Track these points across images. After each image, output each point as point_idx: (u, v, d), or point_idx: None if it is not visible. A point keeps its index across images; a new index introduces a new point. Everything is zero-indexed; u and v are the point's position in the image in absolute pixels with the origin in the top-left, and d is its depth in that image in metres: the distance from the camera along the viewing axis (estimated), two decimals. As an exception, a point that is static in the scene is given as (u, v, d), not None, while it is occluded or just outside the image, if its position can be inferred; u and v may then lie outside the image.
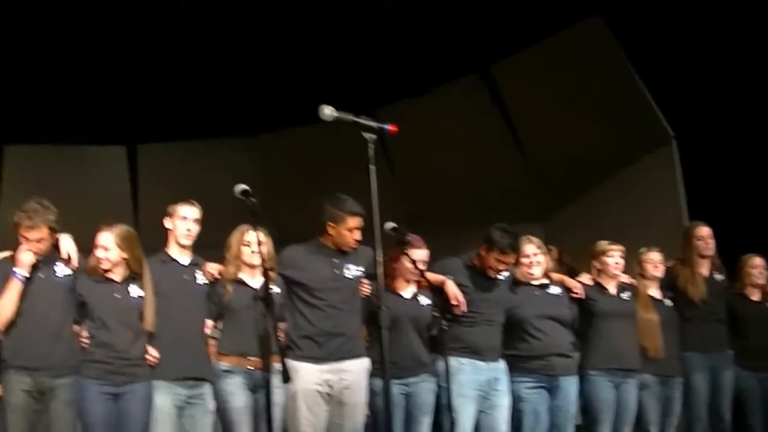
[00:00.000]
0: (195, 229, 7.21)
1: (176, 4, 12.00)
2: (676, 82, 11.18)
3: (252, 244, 6.99)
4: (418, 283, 7.70)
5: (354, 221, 7.08)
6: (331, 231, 7.17)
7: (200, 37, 12.73)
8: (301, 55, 12.97)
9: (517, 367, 7.86)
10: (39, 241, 6.77)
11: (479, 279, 7.79)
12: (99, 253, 6.91)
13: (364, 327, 7.36)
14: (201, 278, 7.20)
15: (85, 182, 14.94)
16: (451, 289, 7.59)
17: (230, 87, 13.74)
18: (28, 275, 6.74)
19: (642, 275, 8.63)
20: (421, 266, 7.55)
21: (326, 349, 7.09)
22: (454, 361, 7.49)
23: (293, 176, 15.04)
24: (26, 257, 6.75)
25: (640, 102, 11.73)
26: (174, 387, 6.94)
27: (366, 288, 7.38)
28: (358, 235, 7.13)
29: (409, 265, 7.51)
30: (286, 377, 6.05)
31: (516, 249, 7.75)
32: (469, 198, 13.69)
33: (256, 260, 6.85)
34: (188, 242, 7.22)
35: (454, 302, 7.54)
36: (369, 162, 5.09)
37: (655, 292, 8.64)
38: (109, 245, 6.92)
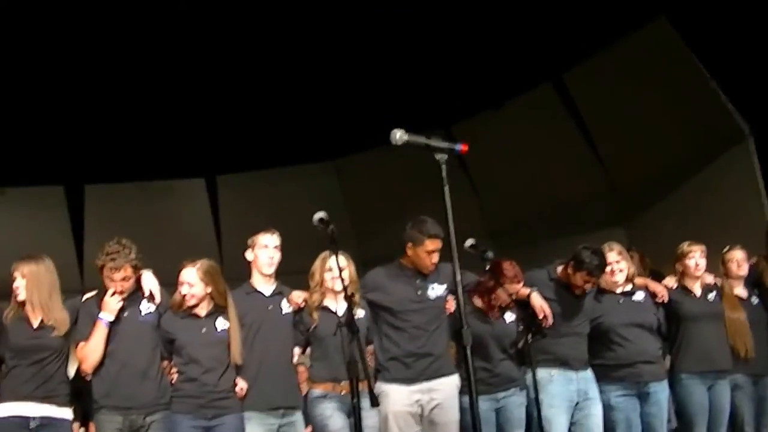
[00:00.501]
0: (277, 256, 7.28)
1: (252, 35, 12.13)
2: (748, 78, 11.04)
3: (333, 270, 7.04)
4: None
5: (432, 244, 7.10)
6: (410, 252, 7.22)
7: (276, 66, 12.84)
8: (375, 75, 13.00)
9: (605, 376, 7.81)
10: (123, 280, 6.87)
11: (564, 292, 7.76)
12: (184, 289, 7.01)
13: (453, 344, 7.37)
14: (286, 307, 7.26)
15: (167, 216, 15.12)
16: (538, 302, 7.58)
17: (306, 112, 13.82)
18: (113, 319, 6.85)
19: (727, 275, 8.51)
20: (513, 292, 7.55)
21: (414, 369, 7.12)
22: (544, 373, 7.49)
23: (374, 198, 15.09)
24: (113, 303, 6.84)
25: (713, 100, 11.62)
26: (266, 417, 7.01)
27: (452, 305, 7.39)
28: (435, 257, 7.15)
29: (506, 297, 7.51)
30: (374, 402, 6.08)
31: (603, 269, 7.71)
32: (550, 208, 13.65)
33: (339, 286, 6.90)
34: (271, 270, 7.28)
35: (540, 315, 7.52)
36: (443, 183, 5.11)
37: (741, 290, 8.52)
38: (193, 281, 7.01)
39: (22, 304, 6.79)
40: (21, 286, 6.76)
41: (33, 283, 6.75)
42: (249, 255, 7.31)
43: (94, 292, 7.13)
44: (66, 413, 6.84)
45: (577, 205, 13.34)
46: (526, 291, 7.62)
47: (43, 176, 14.80)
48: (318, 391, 7.15)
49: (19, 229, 14.60)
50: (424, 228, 7.11)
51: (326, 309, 7.22)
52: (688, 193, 12.52)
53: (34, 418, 6.68)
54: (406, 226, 7.28)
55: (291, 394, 7.16)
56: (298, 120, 13.95)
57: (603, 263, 7.65)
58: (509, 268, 7.48)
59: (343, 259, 6.65)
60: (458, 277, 5.08)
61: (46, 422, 6.71)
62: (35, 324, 6.76)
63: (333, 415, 7.06)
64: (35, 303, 6.74)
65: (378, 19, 11.98)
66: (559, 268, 7.83)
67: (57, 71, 12.44)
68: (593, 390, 7.76)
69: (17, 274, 6.76)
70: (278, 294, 7.30)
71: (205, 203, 15.92)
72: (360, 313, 7.09)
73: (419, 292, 7.24)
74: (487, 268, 7.37)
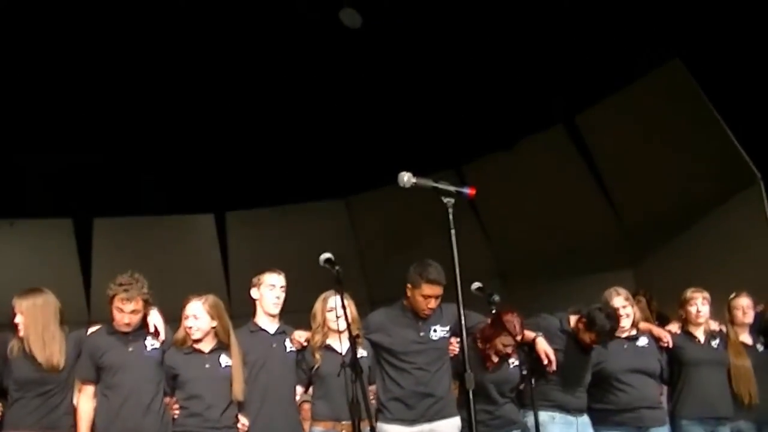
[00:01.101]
0: (282, 296, 7.28)
1: (265, 73, 12.18)
2: (760, 122, 11.04)
3: (336, 310, 7.02)
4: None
5: (430, 289, 7.10)
6: (409, 294, 7.23)
7: (288, 104, 12.91)
8: (386, 114, 13.06)
9: (606, 420, 7.80)
10: (133, 312, 6.88)
11: (572, 344, 7.73)
12: (189, 322, 7.01)
13: (456, 384, 7.35)
14: (290, 346, 7.26)
15: (175, 251, 15.11)
16: (543, 347, 7.54)
17: (316, 150, 13.87)
18: None
19: (732, 321, 8.46)
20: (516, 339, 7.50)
21: (416, 410, 7.13)
22: (546, 415, 7.49)
23: (384, 236, 15.09)
24: None
25: (725, 143, 11.59)
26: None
27: (455, 347, 7.37)
28: (433, 303, 7.15)
29: (503, 349, 7.46)
30: (376, 441, 6.07)
31: (614, 333, 7.69)
32: (559, 250, 13.62)
33: (341, 325, 6.90)
34: (276, 310, 7.29)
35: (545, 361, 7.49)
36: (449, 226, 5.09)
37: (746, 337, 8.47)
38: (199, 314, 7.02)
39: (23, 338, 6.78)
40: (20, 323, 6.77)
41: (30, 319, 6.76)
42: (255, 293, 7.32)
43: (98, 327, 7.16)
44: None
45: (586, 247, 13.32)
46: (531, 335, 7.58)
47: (52, 208, 14.83)
48: (319, 429, 7.13)
49: (27, 260, 14.63)
50: (425, 272, 7.11)
51: (329, 348, 7.20)
52: (698, 235, 12.47)
53: (38, 449, 6.68)
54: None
55: (294, 430, 7.16)
56: (309, 157, 14.01)
57: (615, 327, 7.64)
58: (511, 321, 7.41)
59: (346, 299, 6.61)
60: (463, 321, 5.05)
61: None
62: (39, 358, 6.73)
63: (333, 454, 7.05)
64: (32, 338, 6.74)
65: (390, 59, 12.04)
66: (572, 318, 7.79)
67: (67, 102, 12.52)
68: None
69: (16, 310, 6.77)
70: (282, 333, 7.30)
71: (213, 239, 15.93)
72: (362, 352, 7.07)
73: (421, 334, 7.25)
74: (492, 312, 7.35)
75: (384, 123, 13.07)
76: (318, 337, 7.21)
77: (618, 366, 7.83)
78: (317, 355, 7.17)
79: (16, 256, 14.99)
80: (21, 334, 6.77)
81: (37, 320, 6.75)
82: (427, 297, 7.12)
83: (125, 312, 6.86)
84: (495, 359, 7.47)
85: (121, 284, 6.85)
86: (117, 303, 6.86)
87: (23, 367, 6.75)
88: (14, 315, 6.78)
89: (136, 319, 6.93)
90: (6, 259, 14.98)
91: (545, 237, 13.80)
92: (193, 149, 13.65)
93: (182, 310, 7.07)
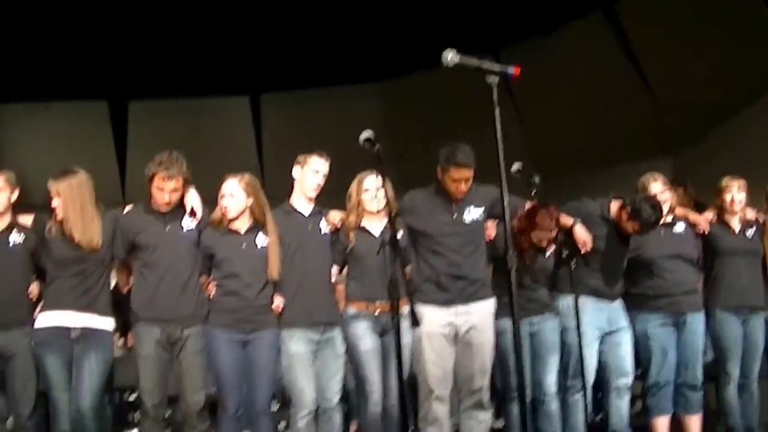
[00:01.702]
0: (322, 183, 7.25)
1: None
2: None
3: (371, 191, 7.05)
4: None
5: (457, 172, 7.05)
6: (439, 176, 7.18)
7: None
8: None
9: (643, 305, 7.85)
10: (174, 191, 6.91)
11: (612, 231, 7.72)
12: (226, 200, 7.02)
13: (491, 267, 7.35)
14: (325, 227, 7.25)
15: (210, 134, 15.11)
16: (581, 234, 7.52)
17: (352, 34, 13.72)
18: None
19: (768, 211, 8.40)
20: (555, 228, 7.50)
21: (450, 292, 7.14)
22: (581, 302, 7.45)
23: (418, 122, 15.01)
24: None
25: (767, 34, 11.42)
26: (306, 333, 7.04)
27: (491, 231, 7.36)
28: (462, 186, 7.10)
29: (537, 242, 7.45)
30: (415, 321, 6.06)
31: (657, 224, 7.66)
32: (597, 137, 13.54)
33: (375, 206, 6.92)
34: (315, 194, 7.27)
35: (582, 248, 7.48)
36: (494, 105, 5.03)
37: (783, 227, 8.39)
38: (236, 192, 7.03)
39: (61, 219, 6.81)
40: (57, 204, 6.79)
41: (67, 200, 6.76)
42: (296, 173, 7.28)
43: (134, 205, 7.21)
44: (107, 324, 6.91)
45: (624, 135, 13.26)
46: (569, 222, 7.56)
47: (88, 91, 14.82)
48: (353, 309, 7.16)
49: (63, 144, 14.69)
50: (452, 155, 7.05)
51: (363, 229, 7.19)
52: (739, 126, 12.39)
53: (75, 328, 6.76)
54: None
55: (330, 310, 7.18)
56: (346, 40, 13.85)
57: (660, 218, 7.61)
58: (545, 217, 7.38)
59: (382, 180, 6.59)
60: (506, 201, 5.01)
61: (87, 332, 6.78)
62: (76, 238, 6.76)
63: (364, 336, 7.08)
64: (70, 218, 6.75)
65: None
66: (613, 204, 7.77)
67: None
68: (623, 319, 7.80)
69: (52, 192, 6.79)
70: (317, 214, 7.28)
71: (248, 122, 15.91)
72: (399, 233, 7.07)
73: (455, 216, 7.21)
74: (533, 194, 7.31)
75: (423, 5, 12.89)
76: (353, 218, 7.20)
77: (656, 252, 7.84)
78: (351, 236, 7.17)
79: (51, 140, 15.04)
80: (58, 215, 6.80)
81: (73, 200, 6.76)
82: (455, 180, 7.08)
83: (166, 191, 6.87)
84: (530, 252, 7.47)
85: (161, 163, 6.85)
86: (157, 182, 6.87)
87: (61, 246, 6.80)
88: (51, 197, 6.80)
89: (176, 197, 6.95)
90: (41, 142, 15.04)
91: (583, 124, 13.73)
92: (230, 31, 13.52)
93: (218, 189, 7.07)
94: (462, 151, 7.01)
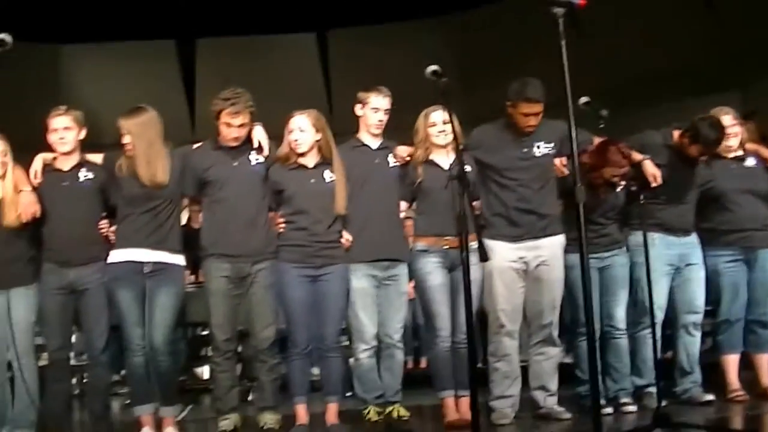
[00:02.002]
0: (385, 119, 7.24)
1: None
2: None
3: (438, 125, 7.02)
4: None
5: (527, 107, 7.01)
6: (509, 111, 7.14)
7: None
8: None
9: (714, 240, 7.74)
10: (241, 126, 6.95)
11: (677, 160, 7.59)
12: (294, 135, 7.02)
13: (562, 203, 7.33)
14: (392, 161, 7.25)
15: (277, 71, 15.10)
16: (650, 168, 7.41)
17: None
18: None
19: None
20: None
21: (521, 227, 7.14)
22: (649, 237, 7.31)
23: (486, 56, 14.90)
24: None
25: None
26: (371, 268, 7.09)
27: (562, 167, 7.32)
28: (532, 120, 7.06)
29: (608, 178, 7.38)
30: (484, 256, 6.05)
31: (720, 143, 7.55)
32: (664, 69, 13.38)
33: (443, 140, 6.90)
34: (379, 131, 7.27)
35: (651, 180, 7.41)
36: (559, 38, 4.98)
37: None
38: (304, 126, 7.03)
39: (131, 157, 6.87)
40: (127, 142, 6.84)
41: (136, 137, 6.81)
42: (359, 110, 7.29)
43: (202, 143, 7.27)
44: (178, 259, 6.98)
45: (694, 67, 13.08)
46: (639, 157, 7.47)
47: (156, 30, 14.89)
48: (421, 244, 7.16)
49: (132, 83, 14.77)
50: (523, 89, 7.01)
51: (432, 163, 7.16)
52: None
53: (147, 263, 6.84)
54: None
55: (396, 246, 7.20)
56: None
57: (720, 137, 7.49)
58: (615, 152, 7.30)
59: (449, 114, 6.50)
60: (573, 135, 4.98)
61: (160, 267, 6.86)
62: (145, 175, 6.83)
63: (433, 271, 7.09)
64: (141, 156, 6.81)
65: None
66: (675, 133, 7.66)
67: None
68: (696, 256, 7.69)
69: (123, 130, 6.85)
70: (384, 148, 7.29)
71: (315, 59, 15.90)
72: (467, 167, 7.05)
73: (524, 150, 7.18)
74: (600, 127, 7.24)
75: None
76: (420, 152, 7.18)
77: (727, 186, 7.73)
78: (420, 170, 7.15)
79: (120, 80, 15.14)
80: (129, 152, 6.86)
81: (142, 138, 6.81)
82: (525, 115, 7.04)
83: (234, 126, 6.92)
84: (603, 188, 7.42)
85: (227, 98, 6.89)
86: (225, 118, 6.92)
87: (130, 184, 6.86)
88: (121, 135, 6.86)
89: (243, 132, 6.99)
90: (111, 82, 15.15)
91: (651, 57, 13.55)
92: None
93: (286, 125, 7.08)
94: (532, 86, 6.97)
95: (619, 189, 7.47)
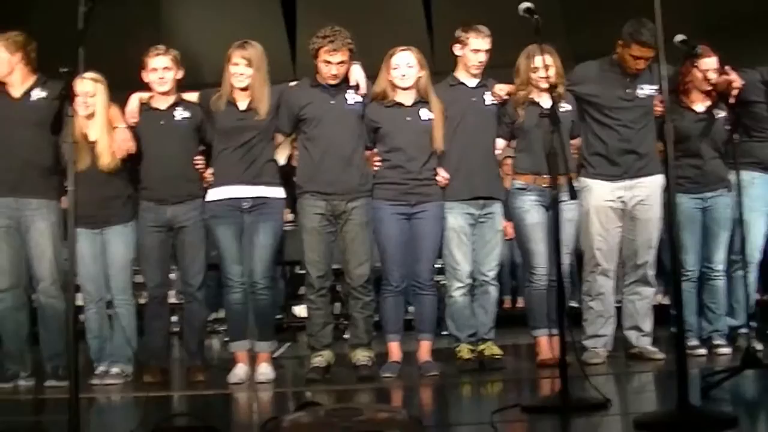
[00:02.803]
0: (485, 59, 7.17)
1: None
2: None
3: (540, 70, 6.83)
4: (711, 93, 7.41)
5: (639, 50, 6.91)
6: (619, 50, 7.06)
7: None
8: None
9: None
10: (340, 64, 6.94)
11: None
12: (402, 70, 7.00)
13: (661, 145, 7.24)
14: (489, 99, 7.18)
15: (379, 10, 15.00)
16: (730, 76, 7.25)
17: None
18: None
19: None
20: (712, 75, 7.29)
21: (619, 166, 7.10)
22: (746, 175, 7.19)
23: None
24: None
25: None
26: (466, 206, 7.06)
27: (659, 106, 7.21)
28: (641, 64, 6.98)
29: (700, 75, 7.27)
30: (573, 194, 6.03)
31: None
32: (764, 3, 13.04)
33: (545, 84, 6.82)
34: (478, 72, 7.21)
35: (732, 85, 7.23)
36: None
37: None
38: (412, 62, 7.03)
39: (233, 88, 6.94)
40: (245, 73, 6.90)
41: (255, 68, 6.89)
42: (457, 50, 7.22)
43: (295, 83, 7.32)
44: (278, 192, 7.06)
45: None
46: (732, 77, 7.29)
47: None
48: (519, 182, 7.16)
49: (233, 22, 14.81)
50: (636, 32, 6.88)
51: (532, 102, 7.10)
52: None
53: (246, 198, 6.94)
54: (621, 23, 7.04)
55: (492, 184, 7.18)
56: None
57: None
58: (702, 47, 7.19)
59: (548, 54, 6.43)
60: (663, 72, 4.91)
61: (259, 202, 6.96)
62: (242, 107, 6.93)
63: (531, 210, 7.10)
64: (254, 87, 6.90)
65: None
66: None
67: None
68: None
69: (240, 60, 6.90)
70: (482, 86, 7.22)
71: (417, -4, 15.78)
72: (566, 106, 6.99)
73: (628, 90, 7.11)
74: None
75: None
76: (521, 94, 7.13)
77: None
78: (519, 111, 7.11)
79: (222, 17, 15.19)
80: (243, 83, 6.91)
81: (259, 69, 6.91)
82: (636, 58, 6.96)
83: (333, 63, 6.91)
84: (696, 96, 7.36)
85: (325, 36, 6.89)
86: (323, 56, 6.91)
87: (227, 115, 6.96)
88: (232, 65, 6.91)
89: (342, 70, 6.97)
90: (212, 20, 15.22)
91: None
92: None
93: (386, 62, 7.07)
94: (648, 29, 6.79)
95: (718, 116, 7.33)
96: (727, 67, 7.29)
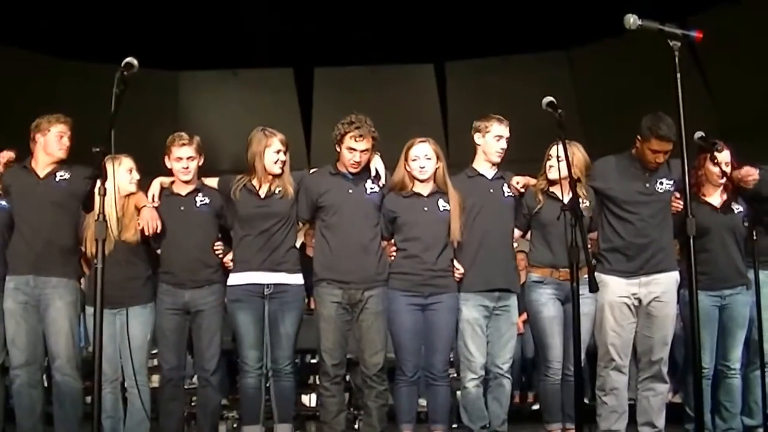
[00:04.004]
0: (506, 146, 7.23)
1: None
2: None
3: (553, 159, 6.90)
4: (726, 187, 7.46)
5: (658, 144, 6.94)
6: (638, 145, 7.09)
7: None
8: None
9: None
10: (364, 152, 7.01)
11: None
12: (421, 162, 7.06)
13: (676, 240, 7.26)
14: (507, 191, 7.22)
15: (394, 101, 15.15)
16: (748, 170, 7.32)
17: (537, 0, 13.64)
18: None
19: None
20: (726, 168, 7.34)
21: (635, 262, 7.09)
22: (763, 275, 7.28)
23: (604, 89, 14.79)
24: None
25: None
26: (481, 298, 7.06)
27: (677, 204, 7.24)
28: (660, 158, 7.02)
29: (715, 169, 7.32)
30: (594, 287, 6.04)
31: None
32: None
33: (564, 171, 6.86)
34: (499, 159, 7.26)
35: (745, 178, 7.27)
36: (675, 70, 4.98)
37: None
38: (430, 154, 7.09)
39: (266, 173, 7.04)
40: (283, 159, 7.06)
41: (284, 153, 7.04)
42: (478, 139, 7.28)
43: (315, 169, 7.39)
44: (297, 279, 7.11)
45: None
46: (751, 171, 7.35)
47: (274, 58, 15.09)
48: (536, 275, 7.18)
49: (250, 110, 14.96)
50: (656, 127, 6.92)
51: (552, 195, 7.15)
52: None
53: (268, 285, 6.99)
54: (639, 119, 7.09)
55: (509, 276, 7.18)
56: (531, 7, 13.75)
57: None
58: (718, 143, 7.25)
59: (569, 147, 6.48)
60: (685, 167, 4.96)
61: (281, 289, 7.02)
62: (262, 194, 7.01)
63: (548, 303, 7.10)
64: (286, 172, 7.07)
65: None
66: None
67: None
68: None
69: (280, 146, 7.04)
70: (500, 178, 7.27)
71: (433, 89, 15.93)
72: (585, 202, 7.02)
73: (647, 185, 7.14)
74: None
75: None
76: (542, 182, 7.19)
77: None
78: (540, 197, 7.16)
79: (239, 105, 15.37)
80: (279, 170, 7.05)
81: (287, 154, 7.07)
82: (655, 152, 6.99)
83: (357, 150, 6.97)
84: (709, 190, 7.43)
85: (351, 122, 6.97)
86: (348, 141, 6.98)
87: (248, 203, 7.04)
88: (274, 152, 7.02)
89: (365, 158, 7.04)
90: (230, 107, 15.40)
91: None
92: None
93: (404, 153, 7.14)
94: (666, 123, 6.86)
95: (737, 211, 7.36)
96: (741, 163, 7.35)
